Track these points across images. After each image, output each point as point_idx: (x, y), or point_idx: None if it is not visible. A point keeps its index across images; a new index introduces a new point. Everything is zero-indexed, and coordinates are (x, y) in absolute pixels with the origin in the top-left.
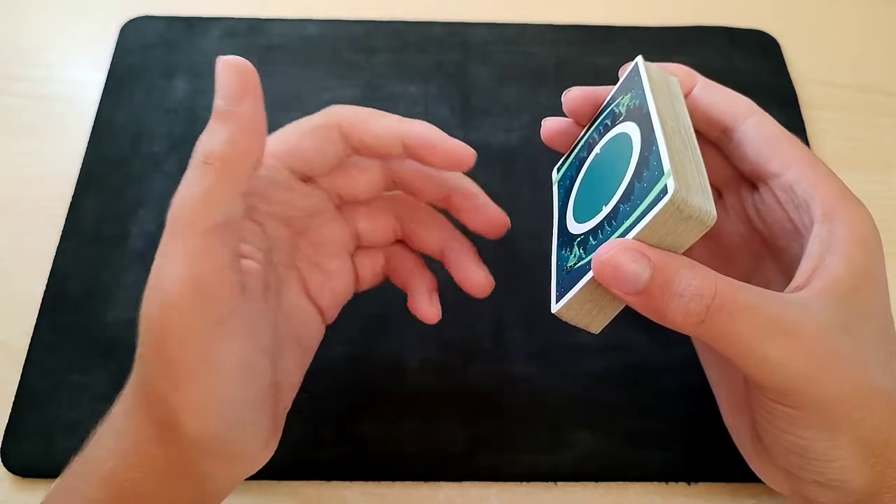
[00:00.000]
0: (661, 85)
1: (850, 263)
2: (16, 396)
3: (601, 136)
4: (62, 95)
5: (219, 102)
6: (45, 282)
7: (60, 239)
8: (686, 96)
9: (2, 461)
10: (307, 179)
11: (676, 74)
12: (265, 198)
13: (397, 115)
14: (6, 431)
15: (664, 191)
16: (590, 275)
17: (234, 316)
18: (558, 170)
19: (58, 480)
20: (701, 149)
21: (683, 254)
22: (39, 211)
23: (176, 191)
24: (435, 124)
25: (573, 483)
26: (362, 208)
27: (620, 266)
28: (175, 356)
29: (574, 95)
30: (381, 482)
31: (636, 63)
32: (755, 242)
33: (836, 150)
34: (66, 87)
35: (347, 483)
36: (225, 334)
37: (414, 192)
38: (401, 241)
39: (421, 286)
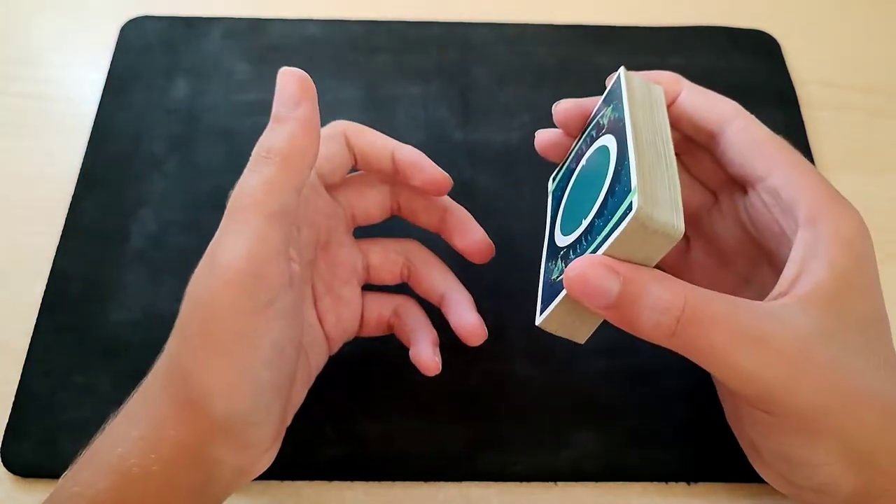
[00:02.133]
0: (643, 95)
1: (833, 268)
2: (16, 396)
3: (587, 147)
4: (62, 95)
5: (278, 107)
6: (45, 282)
7: (60, 239)
8: (672, 103)
9: (2, 461)
10: (327, 187)
11: (661, 82)
12: (303, 199)
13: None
14: (6, 431)
15: (630, 207)
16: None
17: (278, 301)
18: (553, 179)
19: (65, 474)
20: (694, 154)
21: (682, 254)
22: (39, 211)
23: (237, 183)
24: (435, 124)
25: (573, 483)
26: (376, 244)
27: (589, 281)
28: (218, 330)
29: (563, 108)
30: (382, 482)
31: (619, 74)
32: (751, 246)
33: (836, 150)
34: (66, 87)
35: (348, 483)
36: (268, 316)
37: (413, 214)
38: (406, 300)
39: (425, 338)
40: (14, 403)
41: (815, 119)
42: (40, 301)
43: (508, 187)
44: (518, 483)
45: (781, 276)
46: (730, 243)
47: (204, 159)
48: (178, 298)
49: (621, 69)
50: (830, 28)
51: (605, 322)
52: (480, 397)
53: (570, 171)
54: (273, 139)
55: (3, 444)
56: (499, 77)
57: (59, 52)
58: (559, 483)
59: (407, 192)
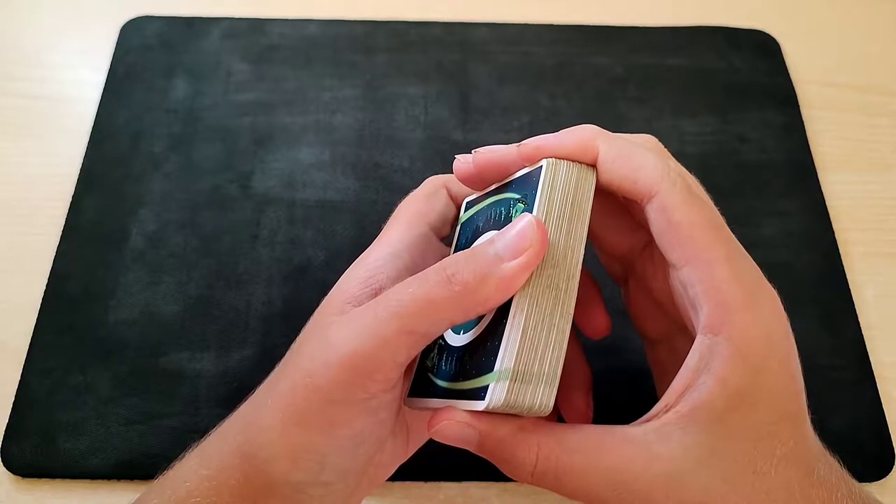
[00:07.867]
0: (565, 189)
1: (725, 385)
2: (16, 396)
3: (497, 225)
4: (62, 95)
5: (504, 245)
6: (45, 282)
7: (60, 239)
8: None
9: (2, 461)
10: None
11: (575, 152)
12: (422, 254)
13: None
14: (6, 431)
15: (488, 390)
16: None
17: (374, 399)
18: (467, 206)
19: (140, 495)
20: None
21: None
22: (39, 211)
23: (408, 293)
24: (434, 124)
25: None
26: None
27: (449, 436)
28: (305, 405)
29: (481, 159)
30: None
31: (540, 167)
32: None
33: (835, 150)
34: (66, 87)
35: None
36: (357, 410)
37: None
38: None
39: (575, 381)
40: (14, 403)
41: (815, 119)
42: (40, 301)
43: None
44: (518, 483)
45: (671, 386)
46: (658, 292)
47: (203, 159)
48: (177, 298)
49: (544, 162)
50: (830, 28)
51: None
52: None
53: (474, 230)
54: (468, 271)
55: (3, 444)
56: (498, 77)
57: (59, 52)
58: None
59: None
